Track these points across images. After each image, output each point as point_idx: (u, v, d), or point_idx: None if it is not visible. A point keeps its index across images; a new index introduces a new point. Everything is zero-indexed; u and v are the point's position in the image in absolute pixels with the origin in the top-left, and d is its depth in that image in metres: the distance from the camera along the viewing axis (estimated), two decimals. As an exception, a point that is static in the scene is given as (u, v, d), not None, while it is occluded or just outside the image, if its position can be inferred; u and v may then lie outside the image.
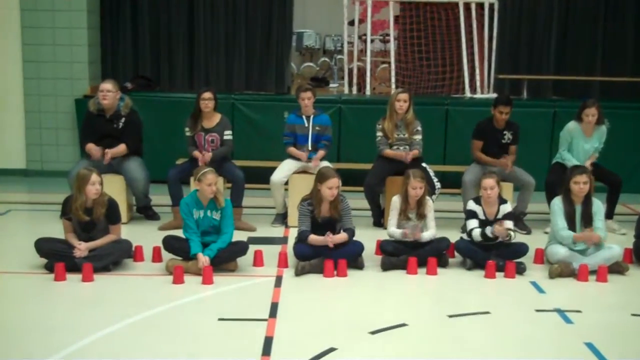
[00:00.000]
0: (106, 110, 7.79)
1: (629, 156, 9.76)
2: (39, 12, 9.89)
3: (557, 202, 6.67)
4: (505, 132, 7.98)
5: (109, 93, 7.70)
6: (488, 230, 6.49)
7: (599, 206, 6.64)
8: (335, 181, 6.41)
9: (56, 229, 6.55)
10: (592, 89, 10.74)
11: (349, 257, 6.44)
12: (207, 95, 7.77)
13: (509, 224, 6.55)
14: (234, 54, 10.69)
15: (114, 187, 7.47)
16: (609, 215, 7.84)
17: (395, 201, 6.72)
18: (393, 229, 6.64)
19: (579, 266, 6.35)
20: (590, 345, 4.92)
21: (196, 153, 7.68)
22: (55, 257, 6.16)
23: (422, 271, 6.44)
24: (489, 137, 7.97)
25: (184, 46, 10.67)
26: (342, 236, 6.41)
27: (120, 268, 6.41)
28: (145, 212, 8.15)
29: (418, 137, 7.89)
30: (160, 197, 8.19)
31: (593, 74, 10.86)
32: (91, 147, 7.68)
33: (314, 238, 6.39)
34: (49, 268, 6.15)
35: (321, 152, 7.95)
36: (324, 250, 6.37)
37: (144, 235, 7.23)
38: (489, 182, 6.57)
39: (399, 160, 7.75)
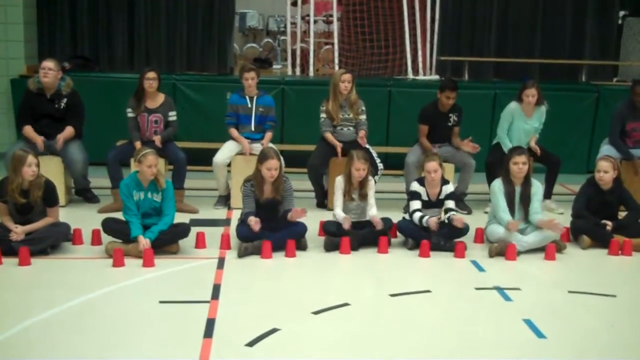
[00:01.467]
0: (47, 90, 7.62)
1: (567, 137, 9.98)
2: (-29, -12, 9.59)
3: (498, 183, 6.77)
4: (450, 115, 8.05)
5: (50, 71, 7.55)
6: (424, 220, 6.54)
7: (537, 187, 6.76)
8: (274, 162, 6.36)
9: (-9, 213, 6.37)
10: (532, 71, 10.93)
11: (293, 238, 6.41)
12: (152, 75, 7.66)
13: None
14: (175, 33, 10.50)
15: (52, 169, 7.34)
16: (548, 195, 7.99)
17: (340, 181, 6.72)
18: (339, 211, 6.64)
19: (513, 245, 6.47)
20: (528, 322, 5.01)
21: (138, 144, 7.43)
22: (-10, 240, 6.00)
23: (364, 251, 6.47)
24: (435, 121, 8.02)
25: (124, 25, 10.43)
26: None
27: (59, 251, 6.28)
28: (84, 194, 8.01)
29: (363, 117, 7.94)
30: (99, 180, 8.03)
31: (532, 56, 11.05)
32: (34, 136, 7.46)
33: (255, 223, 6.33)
34: (-16, 252, 5.98)
35: (269, 135, 7.90)
36: (266, 232, 6.34)
37: (83, 218, 7.09)
38: (433, 165, 6.63)
39: (342, 142, 7.78)
